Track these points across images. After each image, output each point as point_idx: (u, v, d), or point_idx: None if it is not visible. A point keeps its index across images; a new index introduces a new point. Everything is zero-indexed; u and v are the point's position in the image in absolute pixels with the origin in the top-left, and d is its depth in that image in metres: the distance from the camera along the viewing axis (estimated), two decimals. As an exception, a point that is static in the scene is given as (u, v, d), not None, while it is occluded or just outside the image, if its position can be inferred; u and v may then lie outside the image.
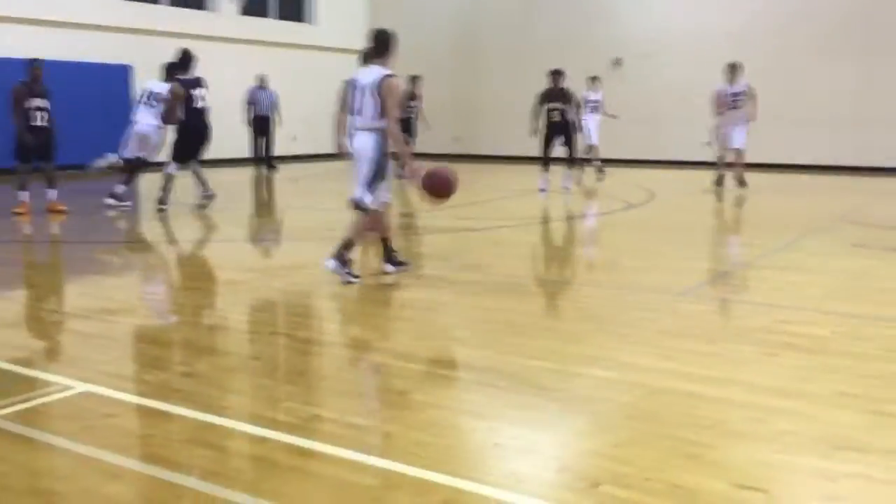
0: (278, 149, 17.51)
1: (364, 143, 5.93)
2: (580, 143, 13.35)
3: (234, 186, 14.72)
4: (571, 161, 12.66)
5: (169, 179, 10.37)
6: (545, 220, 10.17)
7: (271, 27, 19.94)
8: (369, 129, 5.92)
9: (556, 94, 12.33)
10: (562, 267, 7.44)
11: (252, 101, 16.90)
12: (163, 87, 10.47)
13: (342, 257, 6.06)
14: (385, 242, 6.37)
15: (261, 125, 16.98)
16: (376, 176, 5.97)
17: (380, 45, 6.00)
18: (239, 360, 4.35)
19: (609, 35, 18.42)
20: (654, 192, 12.60)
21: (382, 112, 5.87)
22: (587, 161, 14.53)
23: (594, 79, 14.94)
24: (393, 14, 21.40)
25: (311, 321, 5.44)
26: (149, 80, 10.93)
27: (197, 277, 7.01)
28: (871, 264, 6.89)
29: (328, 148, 20.88)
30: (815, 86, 16.24)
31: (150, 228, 9.61)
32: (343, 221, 9.66)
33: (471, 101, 19.81)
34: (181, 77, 10.36)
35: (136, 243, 8.82)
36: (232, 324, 5.23)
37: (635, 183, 14.04)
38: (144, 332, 5.00)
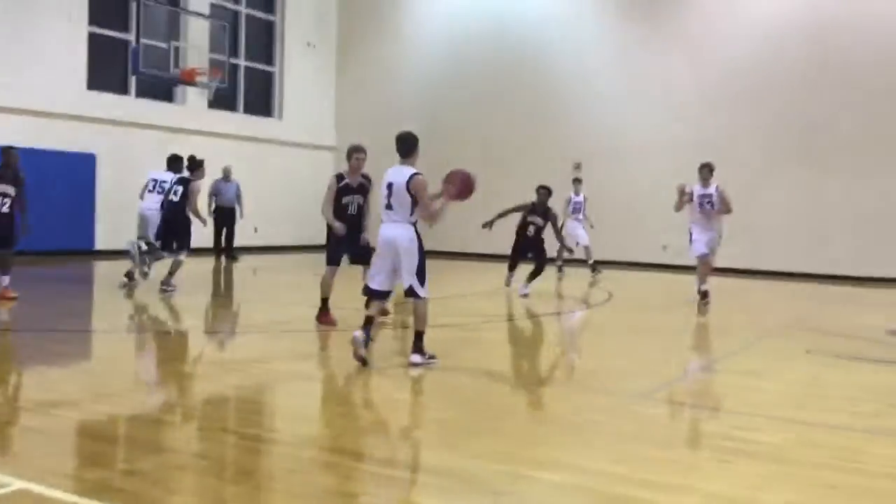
0: (239, 240, 17.50)
1: (400, 236, 6.47)
2: (565, 248, 13.58)
3: (194, 276, 14.60)
4: (536, 275, 12.60)
5: (177, 265, 11.27)
6: (506, 319, 10.19)
7: (238, 121, 20.22)
8: (404, 223, 6.49)
9: (541, 210, 12.43)
10: (519, 367, 7.43)
11: (215, 193, 16.99)
12: (167, 177, 11.74)
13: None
14: (418, 334, 6.62)
15: (223, 216, 17.01)
16: (423, 265, 6.51)
17: (407, 147, 6.63)
18: (185, 459, 4.23)
19: (569, 138, 18.96)
20: (613, 293, 12.74)
21: (414, 207, 6.44)
22: (561, 262, 14.83)
23: (577, 181, 15.35)
24: (358, 114, 21.88)
25: (263, 418, 5.33)
26: (154, 171, 12.37)
27: (147, 369, 6.87)
28: (822, 371, 6.98)
29: (289, 240, 20.92)
30: (770, 194, 16.78)
31: (101, 317, 9.44)
32: (298, 315, 9.60)
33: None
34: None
35: (87, 332, 8.64)
36: (180, 419, 5.10)
37: (593, 283, 14.20)
38: (87, 426, 4.85)
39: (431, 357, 6.57)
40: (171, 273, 11.16)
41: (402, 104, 21.17)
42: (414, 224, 6.53)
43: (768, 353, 7.82)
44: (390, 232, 6.51)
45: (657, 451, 4.43)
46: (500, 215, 12.21)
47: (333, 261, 8.63)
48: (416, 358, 6.52)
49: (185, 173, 11.53)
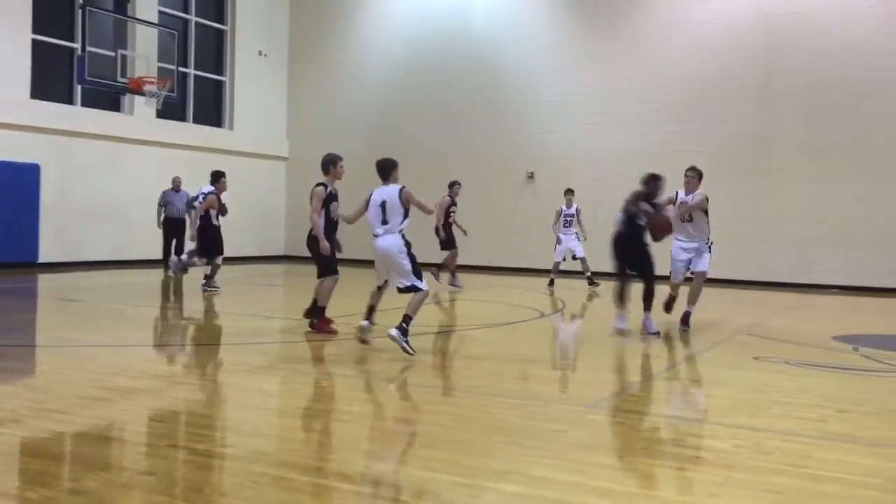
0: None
1: (392, 244, 7.49)
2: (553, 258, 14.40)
3: (143, 288, 14.32)
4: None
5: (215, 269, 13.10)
6: (456, 330, 10.17)
7: (188, 131, 19.95)
8: (394, 234, 7.50)
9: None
10: (473, 377, 7.40)
11: (165, 204, 16.71)
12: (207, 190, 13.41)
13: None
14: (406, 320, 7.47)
15: (173, 227, 16.74)
16: (416, 264, 7.48)
17: (387, 169, 7.75)
18: (132, 476, 4.11)
19: (523, 148, 19.08)
20: (566, 302, 12.82)
21: (404, 218, 7.52)
22: (590, 277, 15.02)
23: (569, 192, 15.30)
24: (310, 124, 21.76)
25: (214, 433, 5.22)
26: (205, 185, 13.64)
27: (93, 384, 6.69)
28: (771, 377, 7.09)
29: (240, 251, 20.64)
30: (718, 204, 17.05)
31: (45, 331, 9.19)
32: (250, 327, 9.46)
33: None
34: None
35: (30, 347, 8.40)
36: (128, 436, 4.97)
37: (547, 293, 14.28)
38: (31, 443, 4.70)
39: (409, 345, 7.30)
40: (210, 276, 13.01)
41: (355, 114, 21.11)
42: (402, 233, 7.52)
43: (719, 361, 7.93)
44: (384, 243, 7.53)
45: (613, 459, 4.44)
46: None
47: (336, 270, 8.93)
48: (395, 332, 7.28)
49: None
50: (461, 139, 19.85)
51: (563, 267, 15.28)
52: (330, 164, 8.84)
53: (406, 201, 7.54)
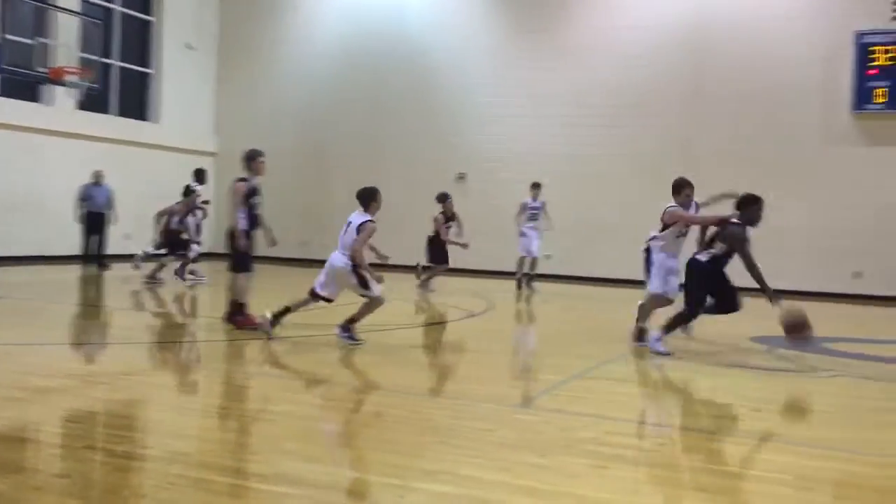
0: (111, 247, 16.76)
1: (341, 262, 7.97)
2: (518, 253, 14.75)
3: (61, 285, 13.87)
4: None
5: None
6: (384, 329, 10.13)
7: (111, 123, 19.38)
8: (347, 254, 7.93)
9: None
10: (400, 377, 7.38)
11: (85, 198, 16.21)
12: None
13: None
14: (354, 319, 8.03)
15: (94, 222, 16.25)
16: (364, 279, 7.94)
17: (363, 199, 8.09)
18: (46, 479, 3.97)
19: (455, 150, 19.15)
20: (494, 302, 12.90)
21: (356, 243, 7.93)
22: (530, 276, 15.06)
23: (535, 185, 15.08)
24: (239, 119, 21.39)
25: (133, 434, 5.08)
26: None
27: (8, 384, 6.44)
28: (690, 377, 7.27)
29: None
30: (645, 208, 17.43)
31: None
32: (172, 325, 9.24)
33: (319, 206, 19.86)
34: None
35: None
36: (43, 437, 4.80)
37: (476, 293, 14.35)
38: (-63, 446, 4.49)
39: (352, 338, 7.90)
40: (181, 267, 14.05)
41: (285, 110, 20.84)
42: (351, 256, 7.91)
43: (640, 361, 8.09)
44: (334, 260, 8.04)
45: (538, 458, 4.48)
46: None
47: (249, 268, 8.91)
48: (338, 330, 7.95)
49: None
50: (393, 138, 19.79)
51: (534, 269, 15.28)
52: (251, 159, 8.88)
53: (359, 231, 7.94)
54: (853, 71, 16.15)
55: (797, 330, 7.78)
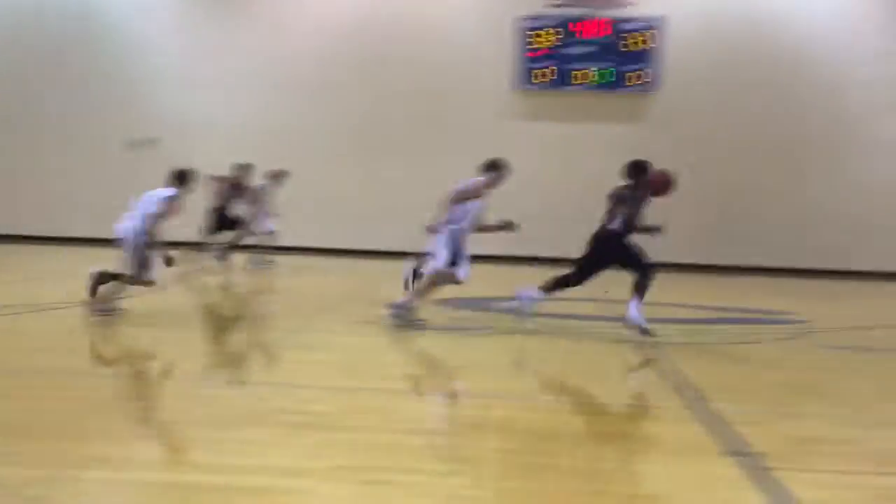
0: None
1: (129, 230, 8.15)
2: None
3: None
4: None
5: None
6: (60, 307, 9.32)
7: None
8: (142, 223, 8.11)
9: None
10: (70, 356, 6.82)
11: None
12: None
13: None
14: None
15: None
16: (144, 258, 8.17)
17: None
18: None
19: (138, 115, 18.14)
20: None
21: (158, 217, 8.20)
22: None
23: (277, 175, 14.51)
24: None
25: None
26: None
27: None
28: (375, 341, 7.59)
29: None
30: (332, 179, 17.87)
31: None
32: None
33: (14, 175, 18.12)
34: None
35: None
36: None
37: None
38: None
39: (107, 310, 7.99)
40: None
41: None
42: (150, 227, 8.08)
43: (324, 327, 8.30)
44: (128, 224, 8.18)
45: (220, 431, 4.41)
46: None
47: None
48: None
49: None
50: (57, 102, 18.28)
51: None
52: None
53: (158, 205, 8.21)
54: (514, 54, 17.78)
55: (666, 185, 7.93)
